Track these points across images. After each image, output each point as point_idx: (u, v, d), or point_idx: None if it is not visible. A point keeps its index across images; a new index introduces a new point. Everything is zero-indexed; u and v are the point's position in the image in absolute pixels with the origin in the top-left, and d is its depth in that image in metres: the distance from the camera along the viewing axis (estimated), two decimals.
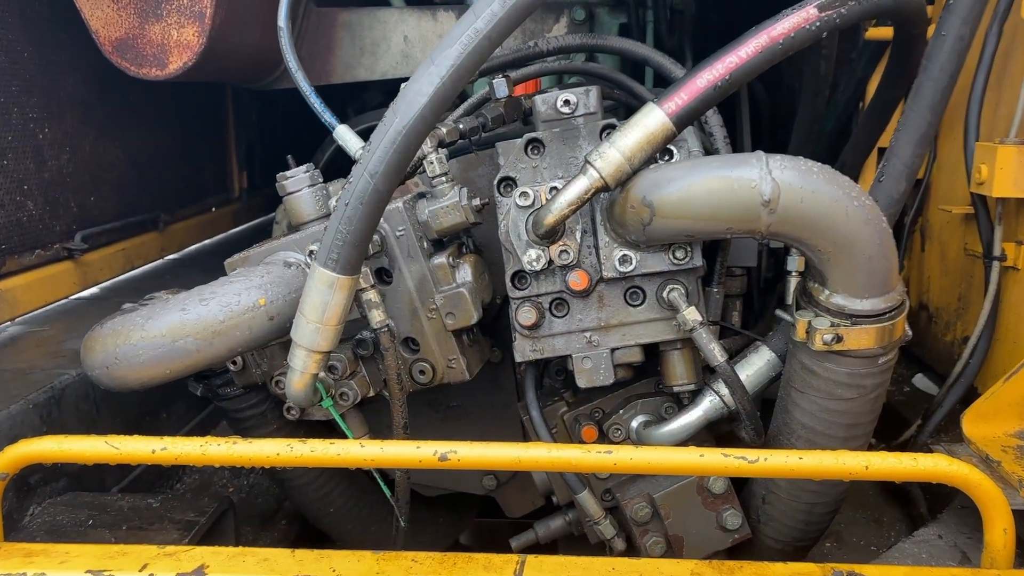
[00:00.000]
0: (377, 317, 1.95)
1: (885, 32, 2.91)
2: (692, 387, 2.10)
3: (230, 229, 4.79)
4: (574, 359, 2.05)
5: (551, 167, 2.04)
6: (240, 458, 1.78)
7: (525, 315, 2.00)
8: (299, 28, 3.28)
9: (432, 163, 2.03)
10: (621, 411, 2.22)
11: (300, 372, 1.85)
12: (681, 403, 2.16)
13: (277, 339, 1.98)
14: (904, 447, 2.71)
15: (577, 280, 1.96)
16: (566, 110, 2.03)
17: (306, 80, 2.42)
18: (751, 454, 1.70)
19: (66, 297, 3.21)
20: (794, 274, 2.40)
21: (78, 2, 2.61)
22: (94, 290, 3.44)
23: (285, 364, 2.09)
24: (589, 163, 1.82)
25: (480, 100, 2.42)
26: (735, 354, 2.14)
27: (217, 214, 4.63)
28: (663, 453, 1.78)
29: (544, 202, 1.97)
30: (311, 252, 2.01)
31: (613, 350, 2.06)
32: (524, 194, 1.98)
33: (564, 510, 2.42)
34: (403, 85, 1.82)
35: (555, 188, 1.96)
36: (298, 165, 2.15)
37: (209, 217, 4.51)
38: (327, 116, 2.37)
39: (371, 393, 2.14)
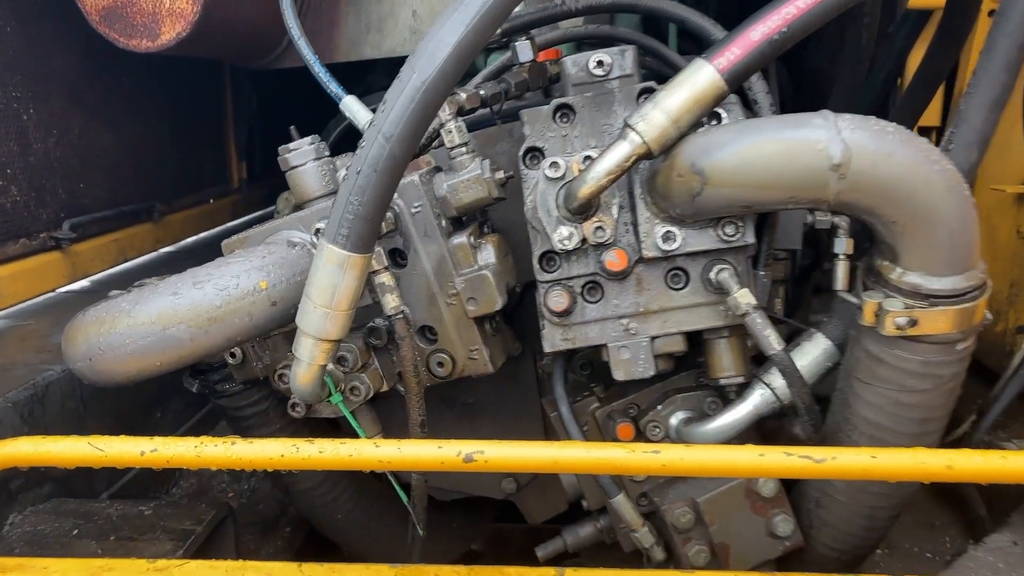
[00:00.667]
0: (391, 303, 1.75)
1: (929, 0, 2.72)
2: (741, 380, 1.89)
3: (229, 222, 4.59)
4: (610, 349, 1.85)
5: (583, 136, 1.84)
6: (240, 460, 1.58)
7: (556, 300, 1.80)
8: (302, 2, 3.08)
9: (451, 132, 1.83)
10: (659, 407, 2.02)
11: (307, 364, 1.65)
12: (726, 397, 1.96)
13: (280, 327, 1.78)
14: (957, 444, 2.51)
15: (614, 260, 1.76)
16: (599, 72, 1.83)
17: (310, 48, 2.23)
18: (817, 453, 1.50)
19: (53, 290, 3.01)
20: (842, 257, 2.21)
21: None
22: (84, 283, 3.24)
23: (289, 356, 1.89)
24: (629, 127, 1.62)
25: (501, 67, 2.22)
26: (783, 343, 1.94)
27: (215, 206, 4.43)
28: (717, 452, 1.58)
29: (577, 173, 1.77)
30: (318, 230, 1.81)
31: (653, 339, 1.85)
32: (554, 164, 1.78)
33: (595, 516, 2.22)
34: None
35: (589, 157, 1.76)
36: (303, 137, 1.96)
37: (207, 208, 4.30)
38: (333, 86, 2.18)
39: (384, 387, 1.94)
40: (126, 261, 3.49)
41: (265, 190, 4.99)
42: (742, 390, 1.91)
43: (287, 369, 1.88)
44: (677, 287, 1.84)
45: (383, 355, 1.94)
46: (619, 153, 1.63)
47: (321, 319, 1.60)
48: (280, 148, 1.92)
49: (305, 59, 2.19)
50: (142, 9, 2.41)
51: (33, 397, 2.15)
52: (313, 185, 1.91)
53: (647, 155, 1.63)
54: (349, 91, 4.22)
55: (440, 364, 1.91)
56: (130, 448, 1.58)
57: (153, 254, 3.76)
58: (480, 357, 1.89)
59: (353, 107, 2.13)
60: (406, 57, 3.40)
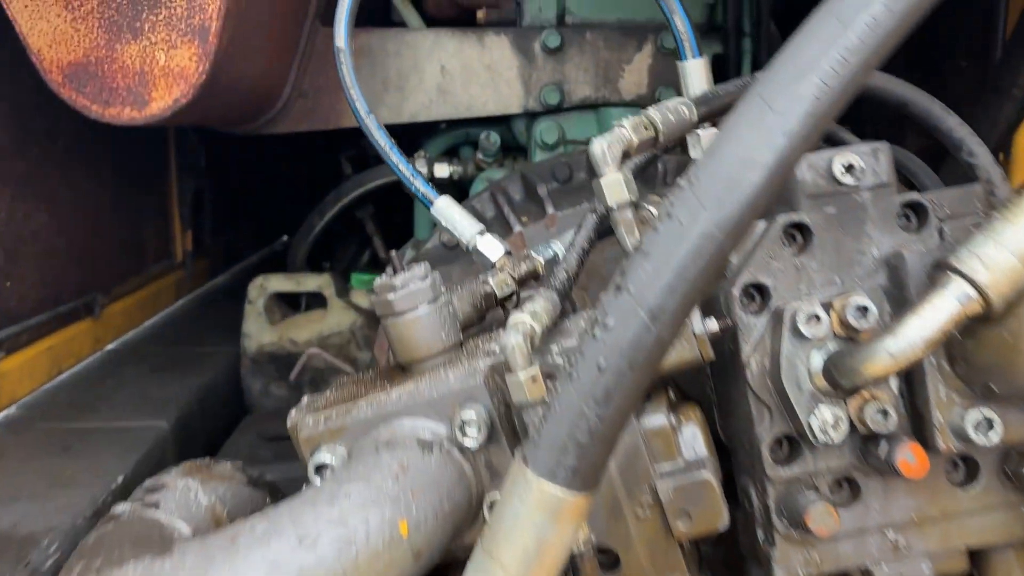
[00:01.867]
0: (581, 533, 1.14)
1: None
2: None
3: (172, 303, 3.84)
4: None
5: (823, 268, 1.29)
6: None
7: (823, 518, 1.22)
8: (301, 53, 2.46)
9: None
10: None
11: None
12: None
13: None
14: None
15: (911, 461, 1.20)
16: (849, 180, 1.29)
17: (383, 131, 1.62)
18: None
19: None
20: None
21: (11, 9, 1.71)
22: (11, 410, 2.48)
23: None
24: (956, 271, 1.09)
25: (647, 160, 1.65)
26: None
27: (158, 287, 3.68)
28: None
29: (838, 330, 1.22)
30: (464, 424, 1.18)
31: (928, 556, 1.31)
32: (814, 318, 1.22)
33: None
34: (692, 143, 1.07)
35: (864, 308, 1.21)
36: (392, 263, 1.34)
37: (151, 291, 3.56)
38: (420, 183, 1.57)
39: None
40: (60, 374, 2.74)
41: (212, 261, 4.26)
42: None
43: None
44: (961, 482, 1.30)
45: None
46: (943, 312, 1.09)
47: None
48: (376, 285, 1.30)
49: (378, 145, 1.58)
50: (125, 67, 1.73)
51: None
52: (430, 338, 1.28)
53: (984, 314, 1.09)
54: (336, 159, 3.56)
55: None
56: None
57: (92, 357, 3.00)
58: None
59: (451, 214, 1.53)
60: (430, 124, 2.77)
